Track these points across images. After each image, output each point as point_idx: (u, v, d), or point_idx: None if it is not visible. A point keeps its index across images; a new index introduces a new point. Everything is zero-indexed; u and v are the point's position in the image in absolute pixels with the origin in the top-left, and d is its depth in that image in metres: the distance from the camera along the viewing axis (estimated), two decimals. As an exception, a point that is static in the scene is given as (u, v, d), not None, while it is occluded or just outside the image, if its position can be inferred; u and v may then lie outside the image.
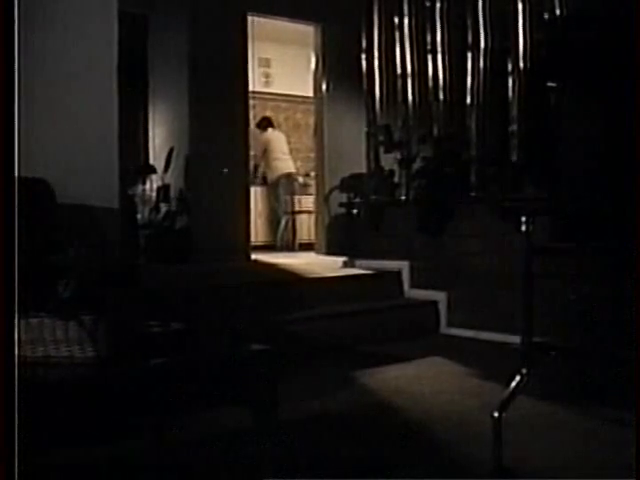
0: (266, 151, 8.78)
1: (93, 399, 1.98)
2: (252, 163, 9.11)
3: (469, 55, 5.11)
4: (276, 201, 8.75)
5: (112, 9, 3.71)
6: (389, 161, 5.76)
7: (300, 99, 9.59)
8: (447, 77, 5.35)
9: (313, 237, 7.68)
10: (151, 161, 6.60)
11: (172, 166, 6.19)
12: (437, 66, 5.42)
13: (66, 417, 1.88)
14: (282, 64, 9.71)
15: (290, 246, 8.50)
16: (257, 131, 8.73)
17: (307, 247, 7.94)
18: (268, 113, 9.66)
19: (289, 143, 9.35)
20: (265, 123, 8.92)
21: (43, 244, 2.55)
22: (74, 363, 2.04)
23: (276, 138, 8.96)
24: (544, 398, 3.41)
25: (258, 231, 8.45)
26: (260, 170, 8.92)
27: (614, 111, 3.55)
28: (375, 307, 5.07)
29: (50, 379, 2.00)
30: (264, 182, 8.94)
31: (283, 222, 8.62)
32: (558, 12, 4.40)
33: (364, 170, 5.98)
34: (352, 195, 6.02)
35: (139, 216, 5.90)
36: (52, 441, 1.88)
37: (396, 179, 5.67)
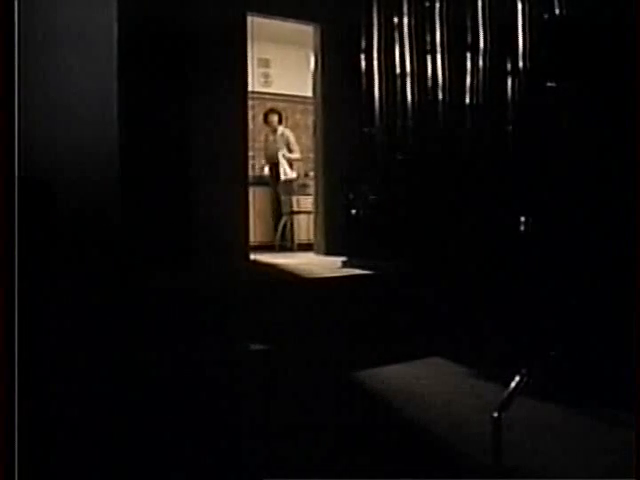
0: (287, 148, 8.77)
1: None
2: (266, 161, 9.05)
3: (468, 55, 5.11)
4: (278, 201, 8.75)
5: (112, 10, 3.71)
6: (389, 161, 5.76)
7: (299, 99, 9.59)
8: (447, 77, 5.35)
9: (312, 237, 7.68)
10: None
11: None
12: (436, 66, 5.42)
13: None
14: (281, 64, 9.71)
15: (289, 246, 8.50)
16: (277, 126, 8.74)
17: (306, 247, 7.93)
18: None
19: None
20: (277, 118, 8.87)
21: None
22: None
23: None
24: (544, 398, 3.41)
25: (257, 231, 8.44)
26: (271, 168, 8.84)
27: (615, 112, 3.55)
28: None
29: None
30: (261, 182, 8.91)
31: (282, 222, 8.62)
32: (558, 12, 4.40)
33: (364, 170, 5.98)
34: (351, 195, 6.02)
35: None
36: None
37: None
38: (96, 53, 3.68)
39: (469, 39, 5.11)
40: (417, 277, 5.39)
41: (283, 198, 8.62)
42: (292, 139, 8.79)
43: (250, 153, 7.44)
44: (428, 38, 5.48)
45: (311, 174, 8.05)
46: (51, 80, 3.42)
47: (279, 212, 8.65)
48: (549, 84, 4.32)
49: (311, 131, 7.84)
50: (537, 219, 4.26)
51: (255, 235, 8.13)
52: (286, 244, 8.51)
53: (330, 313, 4.83)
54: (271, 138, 8.82)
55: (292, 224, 8.55)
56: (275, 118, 8.76)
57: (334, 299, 5.01)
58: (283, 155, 8.63)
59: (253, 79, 7.97)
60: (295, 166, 8.84)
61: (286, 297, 4.87)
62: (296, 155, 8.77)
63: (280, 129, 8.78)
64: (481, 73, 5.02)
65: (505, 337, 4.17)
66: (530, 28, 4.66)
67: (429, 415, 3.35)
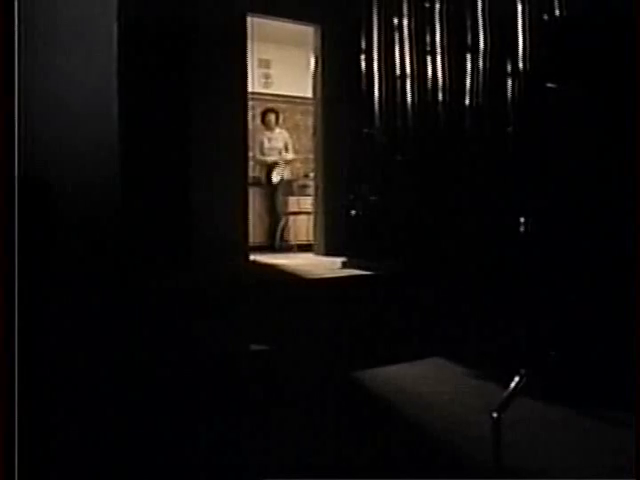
0: (286, 150, 8.78)
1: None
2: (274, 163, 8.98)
3: (468, 56, 5.11)
4: (276, 202, 8.75)
5: (112, 10, 3.71)
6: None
7: (300, 100, 9.59)
8: (447, 78, 5.35)
9: (312, 238, 7.68)
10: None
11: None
12: (436, 67, 5.42)
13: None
14: (282, 65, 9.72)
15: (289, 247, 8.50)
16: (274, 126, 8.77)
17: (306, 248, 7.94)
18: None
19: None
20: (275, 118, 8.87)
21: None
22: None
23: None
24: (544, 398, 3.41)
25: (256, 232, 8.44)
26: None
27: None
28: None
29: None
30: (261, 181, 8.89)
31: (282, 223, 8.63)
32: (558, 13, 4.40)
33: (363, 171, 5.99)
34: (351, 196, 6.02)
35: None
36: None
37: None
38: (96, 53, 3.68)
39: (469, 40, 5.11)
40: (417, 277, 5.39)
41: (280, 199, 8.63)
42: (289, 139, 8.82)
43: (250, 154, 7.45)
44: (428, 39, 5.48)
45: (311, 175, 8.06)
46: (51, 80, 3.41)
47: (276, 213, 8.65)
48: (549, 85, 4.32)
49: (311, 132, 7.84)
50: (537, 220, 4.26)
51: (255, 236, 8.13)
52: (284, 245, 8.51)
53: (330, 313, 4.83)
54: (268, 136, 8.81)
55: (284, 225, 8.57)
56: (272, 118, 8.77)
57: (334, 299, 5.01)
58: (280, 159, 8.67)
59: (253, 79, 7.97)
60: (289, 167, 8.86)
61: (286, 297, 4.87)
62: (290, 156, 8.79)
63: (277, 129, 8.79)
64: (481, 74, 5.03)
65: (505, 337, 4.17)
66: (530, 29, 4.66)
67: (429, 415, 3.35)
